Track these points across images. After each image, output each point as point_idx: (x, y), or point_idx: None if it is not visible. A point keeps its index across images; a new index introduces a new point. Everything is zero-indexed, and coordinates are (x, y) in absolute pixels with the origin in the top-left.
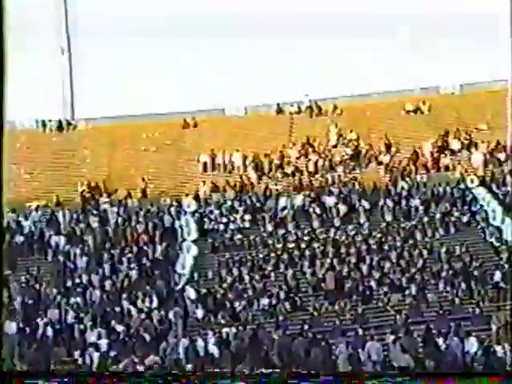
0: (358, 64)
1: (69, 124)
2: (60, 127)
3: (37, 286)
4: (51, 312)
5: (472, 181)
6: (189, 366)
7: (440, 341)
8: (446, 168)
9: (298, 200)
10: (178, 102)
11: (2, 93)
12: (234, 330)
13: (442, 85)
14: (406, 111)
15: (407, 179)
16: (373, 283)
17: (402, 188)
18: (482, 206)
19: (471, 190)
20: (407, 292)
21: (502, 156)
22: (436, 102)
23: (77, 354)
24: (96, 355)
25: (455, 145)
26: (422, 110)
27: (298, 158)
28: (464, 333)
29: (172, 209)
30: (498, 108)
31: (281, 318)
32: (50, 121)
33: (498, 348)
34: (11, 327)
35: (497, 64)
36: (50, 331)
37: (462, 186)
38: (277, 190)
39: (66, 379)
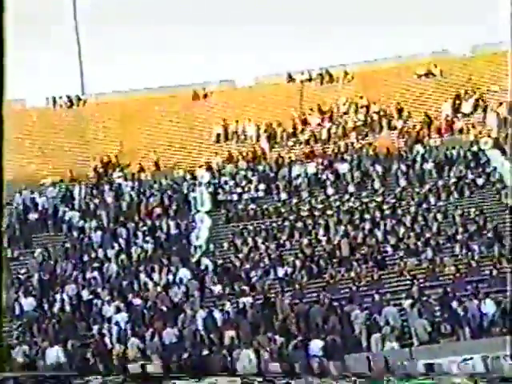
0: (366, 29)
1: (79, 99)
2: (70, 103)
3: (52, 262)
4: (68, 287)
5: (486, 143)
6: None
7: (457, 304)
8: (460, 131)
9: (311, 168)
10: (188, 73)
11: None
12: (250, 299)
13: (452, 47)
14: (418, 75)
15: (420, 143)
16: (388, 248)
17: (417, 152)
18: (495, 167)
19: (485, 152)
20: (423, 256)
21: None
22: (447, 65)
23: (95, 328)
24: (114, 329)
25: (468, 107)
26: (434, 73)
27: (310, 126)
28: (481, 295)
29: (185, 181)
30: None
31: (297, 286)
32: (60, 97)
33: None
34: (29, 304)
35: (506, 25)
36: (67, 307)
37: (475, 148)
38: (290, 158)
39: None
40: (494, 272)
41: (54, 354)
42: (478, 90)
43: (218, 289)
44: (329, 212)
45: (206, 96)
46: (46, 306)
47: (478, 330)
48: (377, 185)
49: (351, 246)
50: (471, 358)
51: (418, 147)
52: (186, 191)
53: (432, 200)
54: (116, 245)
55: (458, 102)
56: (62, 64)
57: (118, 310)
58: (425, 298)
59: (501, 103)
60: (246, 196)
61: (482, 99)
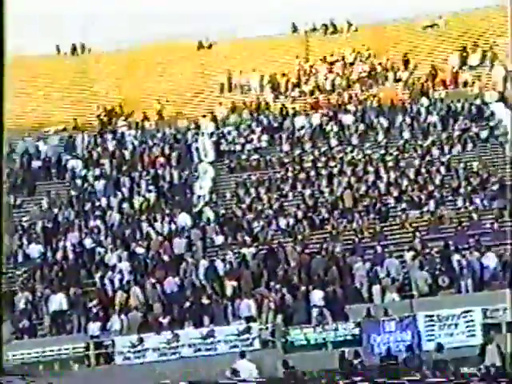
0: None
1: (83, 47)
2: (74, 50)
3: (56, 210)
4: (71, 235)
5: (491, 96)
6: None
7: (458, 257)
8: (465, 84)
9: (315, 119)
10: (192, 23)
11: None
12: (252, 250)
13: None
14: (423, 27)
15: (425, 96)
16: (391, 200)
17: (421, 105)
18: (500, 120)
19: (489, 105)
20: (425, 209)
21: None
22: (453, 17)
23: (97, 276)
24: (116, 277)
25: (474, 60)
26: (439, 25)
27: (314, 77)
28: (483, 248)
29: (189, 130)
30: None
31: (299, 237)
32: (64, 44)
33: None
34: (33, 251)
35: None
36: (70, 254)
37: (479, 101)
38: (294, 109)
39: None
40: (496, 225)
41: (57, 301)
42: (485, 42)
43: (220, 239)
44: (332, 163)
45: (210, 46)
46: (49, 254)
47: (479, 282)
48: (380, 137)
49: (354, 198)
50: (471, 311)
51: (423, 99)
52: (189, 141)
53: (435, 153)
54: (119, 193)
55: (464, 54)
56: (66, 12)
57: (121, 259)
58: (426, 251)
59: (507, 56)
60: (249, 146)
61: (490, 51)
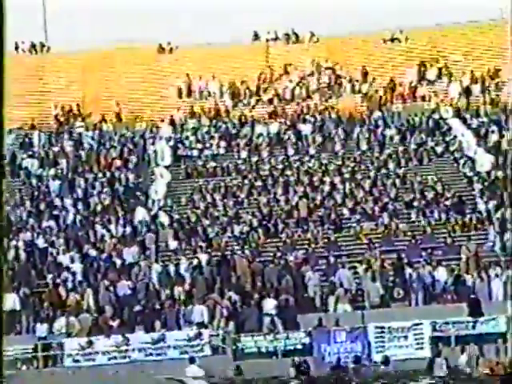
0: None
1: (42, 46)
2: (33, 49)
3: (9, 209)
4: (24, 235)
5: (447, 111)
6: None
7: (410, 270)
8: (422, 98)
9: (274, 127)
10: (153, 27)
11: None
12: (206, 256)
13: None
14: (384, 40)
15: (383, 108)
16: (345, 211)
17: (379, 117)
18: (456, 136)
19: (446, 121)
20: (379, 221)
21: (477, 87)
22: (413, 32)
23: (49, 277)
24: (69, 279)
25: (432, 75)
26: (400, 39)
27: (274, 85)
28: (435, 262)
29: (146, 134)
30: (475, 41)
31: (253, 244)
32: (22, 42)
33: (468, 277)
34: None
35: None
36: (22, 254)
37: (436, 116)
38: (252, 116)
39: None
40: (449, 240)
41: (10, 301)
42: (443, 58)
43: (174, 244)
44: (288, 172)
45: (171, 50)
46: None
47: (430, 296)
48: (338, 147)
49: (309, 207)
50: (421, 323)
51: (380, 112)
52: (146, 144)
53: (391, 165)
54: (74, 194)
55: (423, 68)
56: (25, 8)
57: (73, 260)
58: (379, 263)
59: (464, 73)
60: (206, 152)
61: (447, 67)
